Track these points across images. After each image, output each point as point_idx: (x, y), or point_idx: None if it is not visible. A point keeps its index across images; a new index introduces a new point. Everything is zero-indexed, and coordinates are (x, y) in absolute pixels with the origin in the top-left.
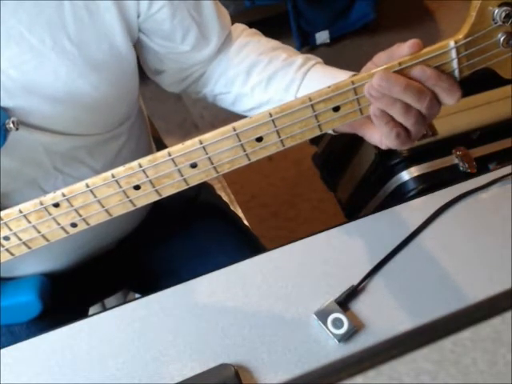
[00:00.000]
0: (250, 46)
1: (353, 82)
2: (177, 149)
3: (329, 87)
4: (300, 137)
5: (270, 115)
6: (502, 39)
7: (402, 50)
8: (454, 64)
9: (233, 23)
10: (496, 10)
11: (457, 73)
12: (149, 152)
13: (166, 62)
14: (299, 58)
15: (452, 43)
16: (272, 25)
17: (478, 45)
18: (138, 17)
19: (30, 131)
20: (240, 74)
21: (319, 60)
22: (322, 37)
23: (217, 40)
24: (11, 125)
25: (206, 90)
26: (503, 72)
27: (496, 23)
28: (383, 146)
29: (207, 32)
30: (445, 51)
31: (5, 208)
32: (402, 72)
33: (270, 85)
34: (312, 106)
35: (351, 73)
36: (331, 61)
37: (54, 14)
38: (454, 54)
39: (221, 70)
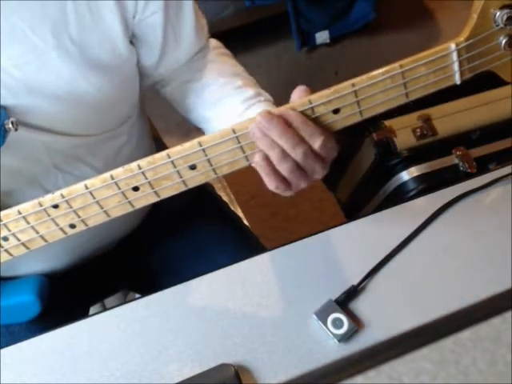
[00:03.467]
0: (214, 65)
1: (353, 85)
2: (176, 150)
3: (329, 89)
4: None
5: None
6: (503, 42)
7: (293, 97)
8: (455, 67)
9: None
10: (498, 13)
11: (458, 76)
12: (149, 151)
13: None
14: (251, 91)
15: (453, 46)
16: (272, 25)
17: (479, 47)
18: (134, 17)
19: (30, 131)
20: (195, 89)
21: (269, 98)
22: (322, 37)
23: (186, 57)
24: (10, 125)
25: (166, 89)
26: (505, 75)
27: (497, 26)
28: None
29: (180, 48)
30: (446, 54)
31: (5, 206)
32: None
33: (214, 106)
34: (312, 108)
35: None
36: (331, 61)
37: (56, 14)
38: (455, 56)
39: (183, 79)
